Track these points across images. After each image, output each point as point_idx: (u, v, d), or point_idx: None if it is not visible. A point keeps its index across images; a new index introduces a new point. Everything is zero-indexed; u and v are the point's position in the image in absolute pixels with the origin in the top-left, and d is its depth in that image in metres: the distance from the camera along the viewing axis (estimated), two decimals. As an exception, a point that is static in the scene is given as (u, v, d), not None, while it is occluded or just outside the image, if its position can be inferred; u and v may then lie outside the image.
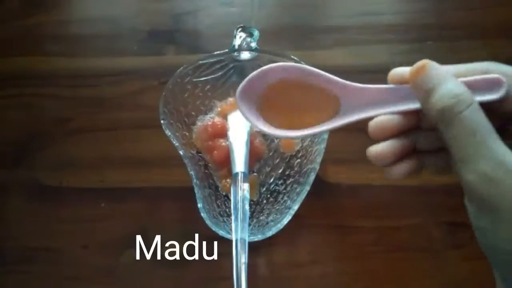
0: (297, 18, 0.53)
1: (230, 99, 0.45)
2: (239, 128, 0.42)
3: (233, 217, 0.37)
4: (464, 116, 0.20)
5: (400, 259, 0.42)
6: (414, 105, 0.23)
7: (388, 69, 0.25)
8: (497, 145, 0.20)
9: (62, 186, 0.46)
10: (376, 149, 0.24)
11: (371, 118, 0.25)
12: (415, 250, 0.42)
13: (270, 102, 0.26)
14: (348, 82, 0.25)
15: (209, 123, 0.44)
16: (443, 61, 0.23)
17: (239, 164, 0.40)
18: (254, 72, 0.25)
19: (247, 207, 0.38)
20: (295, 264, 0.42)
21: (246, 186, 0.39)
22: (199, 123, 0.45)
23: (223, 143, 0.43)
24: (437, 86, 0.21)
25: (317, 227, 0.43)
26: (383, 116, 0.24)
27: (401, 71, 0.24)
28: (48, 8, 0.55)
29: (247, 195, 0.38)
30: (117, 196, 0.45)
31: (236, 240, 0.35)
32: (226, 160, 0.42)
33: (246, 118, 0.26)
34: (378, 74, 0.27)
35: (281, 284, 0.42)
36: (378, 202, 0.44)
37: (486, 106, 0.21)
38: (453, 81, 0.22)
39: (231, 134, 0.42)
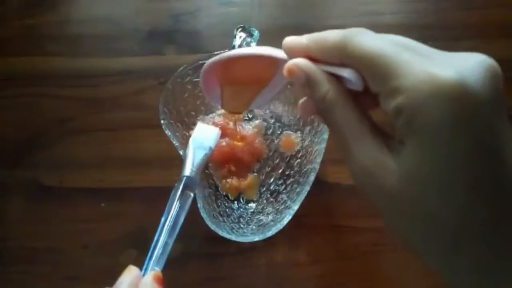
0: (297, 18, 0.53)
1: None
2: (204, 135, 0.40)
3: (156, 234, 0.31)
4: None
5: (400, 259, 0.42)
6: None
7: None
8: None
9: (62, 186, 0.46)
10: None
11: None
12: (415, 250, 0.42)
13: (230, 83, 0.28)
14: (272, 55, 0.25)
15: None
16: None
17: (188, 168, 0.35)
18: (204, 67, 0.27)
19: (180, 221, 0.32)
20: (295, 264, 0.42)
21: (188, 195, 0.32)
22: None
23: (223, 143, 0.43)
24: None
25: (317, 227, 0.43)
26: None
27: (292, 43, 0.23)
28: (48, 8, 0.55)
29: (186, 207, 0.32)
30: (117, 196, 0.46)
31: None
32: (226, 160, 0.42)
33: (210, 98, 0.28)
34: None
35: (281, 284, 0.42)
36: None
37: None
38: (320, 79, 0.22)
39: (192, 138, 0.40)
